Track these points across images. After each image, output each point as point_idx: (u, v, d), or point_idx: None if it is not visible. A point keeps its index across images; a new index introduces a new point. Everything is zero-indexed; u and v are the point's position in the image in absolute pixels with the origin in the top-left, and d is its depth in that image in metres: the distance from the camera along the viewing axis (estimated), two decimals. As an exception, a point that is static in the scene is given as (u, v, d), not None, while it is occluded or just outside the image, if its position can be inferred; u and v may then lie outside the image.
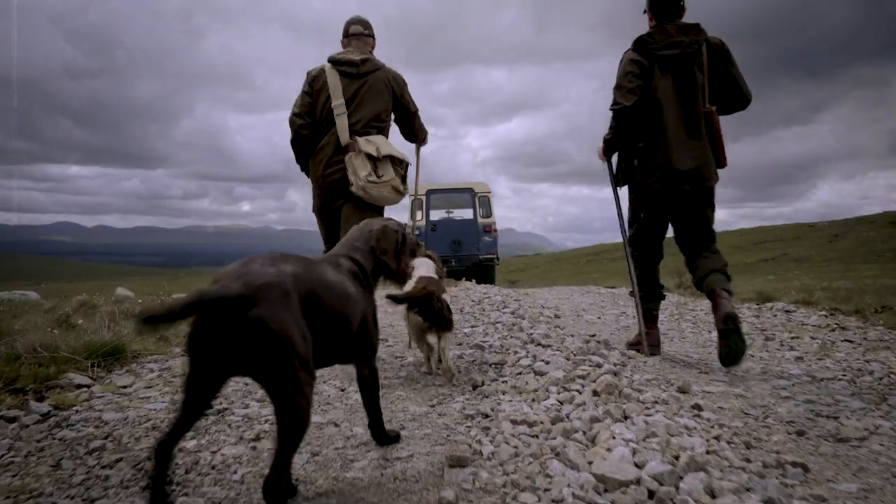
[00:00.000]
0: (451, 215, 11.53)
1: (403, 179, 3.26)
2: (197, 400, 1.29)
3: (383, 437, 1.80)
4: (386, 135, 3.31)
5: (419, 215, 10.54)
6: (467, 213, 11.10)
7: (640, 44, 3.14)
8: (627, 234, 3.44)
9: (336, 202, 3.23)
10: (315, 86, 3.23)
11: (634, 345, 3.38)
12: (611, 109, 3.20)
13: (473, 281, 10.96)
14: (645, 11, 3.29)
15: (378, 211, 3.20)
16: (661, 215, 3.29)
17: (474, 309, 5.14)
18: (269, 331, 1.19)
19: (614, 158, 3.50)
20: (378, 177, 3.08)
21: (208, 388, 1.29)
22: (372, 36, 3.38)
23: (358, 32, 3.34)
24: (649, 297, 3.36)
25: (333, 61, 3.24)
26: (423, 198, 10.63)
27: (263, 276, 1.25)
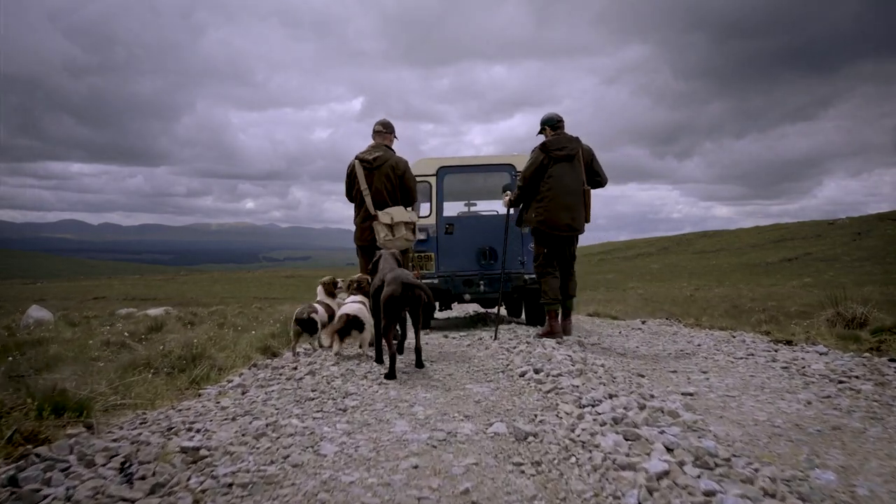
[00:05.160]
0: (475, 209, 7.71)
1: (414, 231, 5.15)
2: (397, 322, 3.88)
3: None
4: (398, 202, 5.09)
5: (424, 209, 6.87)
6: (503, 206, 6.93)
7: (543, 146, 5.19)
8: (534, 260, 5.47)
9: (368, 247, 5.11)
10: (350, 175, 5.12)
11: (546, 334, 5.15)
12: (517, 185, 5.44)
13: (496, 311, 7.33)
14: (541, 131, 5.44)
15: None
16: (554, 249, 5.26)
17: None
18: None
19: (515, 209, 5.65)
20: (393, 236, 4.94)
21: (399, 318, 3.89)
22: (390, 132, 5.23)
23: (379, 131, 5.20)
24: (551, 303, 5.23)
25: (359, 159, 5.05)
26: (431, 180, 6.73)
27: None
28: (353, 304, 4.43)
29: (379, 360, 4.01)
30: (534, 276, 6.59)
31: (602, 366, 3.58)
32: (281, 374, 3.69)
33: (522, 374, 3.38)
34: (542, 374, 3.29)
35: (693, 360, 4.23)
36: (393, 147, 5.26)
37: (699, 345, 4.93)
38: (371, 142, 5.21)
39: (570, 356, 3.80)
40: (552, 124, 5.29)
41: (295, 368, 3.90)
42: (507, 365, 3.80)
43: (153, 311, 16.22)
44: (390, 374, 3.47)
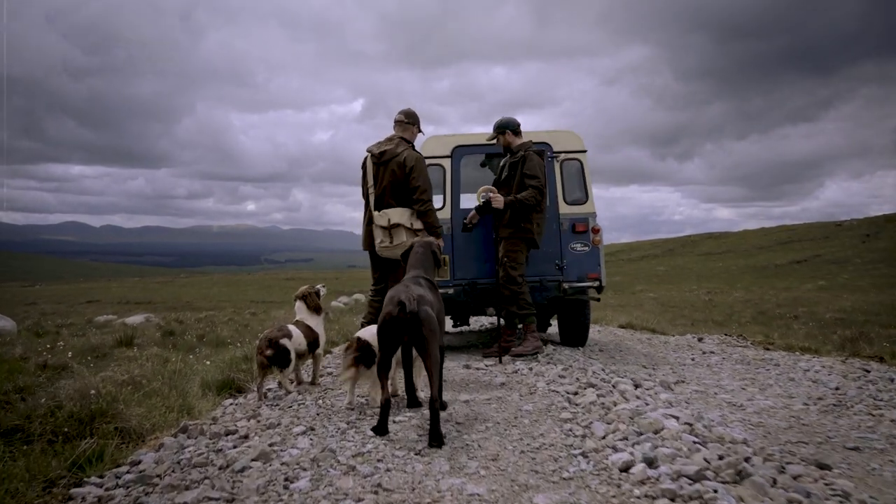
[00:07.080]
0: None
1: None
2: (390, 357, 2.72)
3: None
4: (406, 203, 4.30)
5: (436, 201, 5.31)
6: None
7: (542, 154, 4.81)
8: (512, 264, 4.75)
9: (372, 253, 4.53)
10: (363, 169, 4.51)
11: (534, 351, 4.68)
12: (537, 188, 4.63)
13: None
14: (502, 133, 4.92)
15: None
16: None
17: None
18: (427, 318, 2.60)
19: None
20: (391, 242, 4.23)
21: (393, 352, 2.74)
22: (413, 123, 4.51)
23: (400, 120, 4.51)
24: (531, 313, 4.79)
25: (368, 151, 4.46)
26: (445, 163, 5.42)
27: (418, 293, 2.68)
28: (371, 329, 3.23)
29: (379, 423, 2.60)
30: (580, 284, 5.23)
31: (744, 442, 2.16)
32: (218, 451, 2.28)
33: (626, 469, 1.92)
34: (661, 470, 1.85)
35: (859, 420, 2.80)
36: (414, 141, 4.56)
37: (838, 388, 3.48)
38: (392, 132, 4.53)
39: (678, 418, 2.37)
40: (514, 128, 4.91)
41: (245, 437, 2.49)
42: (584, 436, 2.34)
43: (131, 319, 14.78)
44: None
